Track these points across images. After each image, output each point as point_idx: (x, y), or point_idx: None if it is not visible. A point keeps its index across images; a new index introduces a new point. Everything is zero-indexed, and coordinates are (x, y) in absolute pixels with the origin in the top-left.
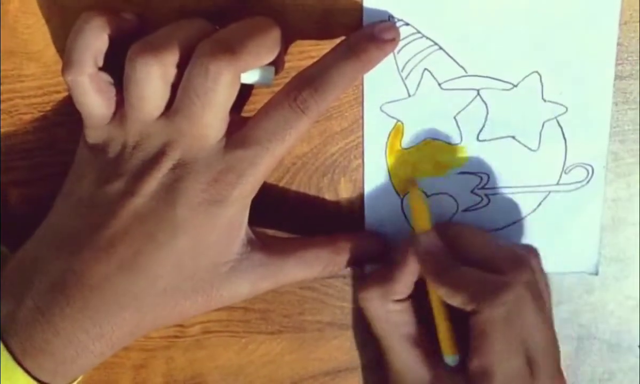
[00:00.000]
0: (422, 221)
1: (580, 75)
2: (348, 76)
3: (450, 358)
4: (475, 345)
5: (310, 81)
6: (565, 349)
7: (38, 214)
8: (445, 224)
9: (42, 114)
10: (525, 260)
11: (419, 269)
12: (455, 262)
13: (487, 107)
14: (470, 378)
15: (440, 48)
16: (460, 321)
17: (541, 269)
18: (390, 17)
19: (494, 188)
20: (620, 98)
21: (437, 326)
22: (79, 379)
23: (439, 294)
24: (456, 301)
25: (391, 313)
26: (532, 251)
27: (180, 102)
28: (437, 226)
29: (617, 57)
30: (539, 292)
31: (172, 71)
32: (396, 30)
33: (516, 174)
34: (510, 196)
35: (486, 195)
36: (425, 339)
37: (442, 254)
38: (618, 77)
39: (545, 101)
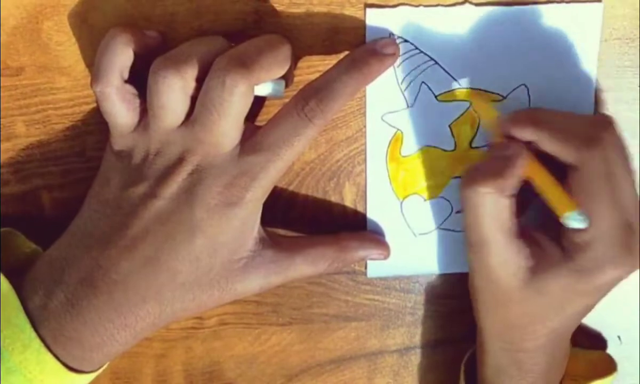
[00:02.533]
0: (488, 111)
1: (564, 88)
2: (351, 88)
3: (573, 215)
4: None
5: (316, 92)
6: None
7: (68, 215)
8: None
9: (72, 123)
10: (612, 122)
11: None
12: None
13: (478, 117)
14: (568, 246)
15: (436, 63)
16: None
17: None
18: (390, 34)
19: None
20: (601, 108)
21: (548, 192)
22: (104, 366)
23: (539, 142)
24: (557, 147)
25: (503, 208)
26: (611, 117)
27: (198, 112)
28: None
29: (598, 72)
30: (627, 155)
31: (192, 84)
32: (396, 46)
33: None
34: None
35: None
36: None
37: (533, 111)
38: (599, 90)
39: None
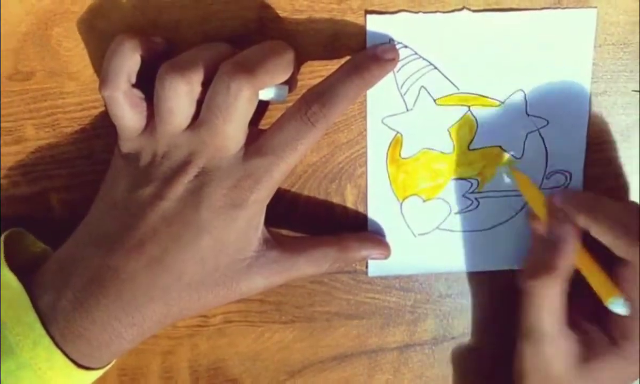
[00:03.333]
0: (531, 189)
1: (560, 92)
2: (353, 92)
3: (617, 301)
4: (626, 296)
5: (319, 97)
6: None
7: (76, 216)
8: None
9: (81, 127)
10: None
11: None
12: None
13: (476, 120)
14: (616, 335)
15: (435, 68)
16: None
17: None
18: (390, 40)
19: (482, 192)
20: (595, 112)
21: (593, 278)
22: (112, 363)
23: (598, 232)
24: (614, 240)
25: (559, 298)
26: None
27: (204, 116)
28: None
29: (592, 76)
30: None
31: (197, 88)
32: (396, 51)
33: (503, 180)
34: (498, 199)
35: (476, 199)
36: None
37: (590, 196)
38: (593, 93)
39: (528, 115)
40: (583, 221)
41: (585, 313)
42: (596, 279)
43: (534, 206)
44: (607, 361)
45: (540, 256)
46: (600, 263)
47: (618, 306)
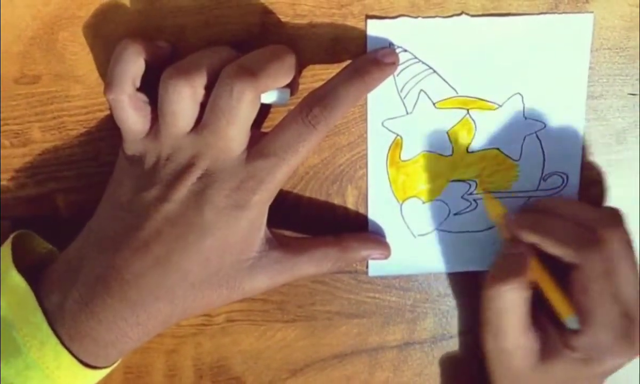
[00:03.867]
0: (495, 208)
1: (557, 96)
2: (353, 95)
3: (571, 319)
4: (576, 300)
5: (320, 100)
6: None
7: (82, 218)
8: (529, 205)
9: (86, 129)
10: (618, 217)
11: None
12: (551, 216)
13: (475, 123)
14: (572, 335)
15: (435, 72)
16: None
17: (628, 228)
18: (390, 44)
19: (481, 194)
20: (592, 115)
21: (549, 295)
22: (118, 361)
23: (542, 246)
24: (559, 251)
25: (522, 301)
26: (619, 211)
27: (207, 119)
28: (522, 209)
29: (589, 80)
30: (631, 248)
31: (201, 92)
32: (396, 55)
33: (500, 181)
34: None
35: (474, 200)
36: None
37: (534, 214)
38: (590, 97)
39: (526, 118)
40: (533, 238)
41: (546, 313)
42: (554, 297)
43: (497, 222)
44: (563, 362)
45: (502, 265)
46: (556, 280)
47: (571, 323)
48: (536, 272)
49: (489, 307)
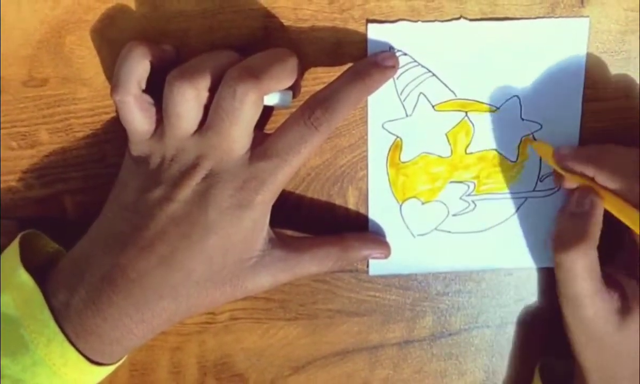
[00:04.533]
0: (545, 148)
1: (553, 98)
2: (355, 98)
3: None
4: None
5: (322, 102)
6: None
7: (89, 218)
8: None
9: (93, 132)
10: None
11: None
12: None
13: (473, 125)
14: None
15: (434, 75)
16: None
17: None
18: (390, 48)
19: (479, 195)
20: (587, 117)
21: (623, 214)
22: (123, 358)
23: (603, 179)
24: (619, 184)
25: (593, 262)
26: None
27: (211, 120)
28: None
29: (584, 83)
30: None
31: (205, 94)
32: (396, 58)
33: (498, 182)
34: (494, 201)
35: (473, 201)
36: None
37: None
38: (585, 99)
39: (523, 120)
40: (592, 171)
41: (620, 267)
42: (627, 214)
43: (549, 160)
44: None
45: (569, 227)
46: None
47: None
48: (605, 200)
49: (560, 274)
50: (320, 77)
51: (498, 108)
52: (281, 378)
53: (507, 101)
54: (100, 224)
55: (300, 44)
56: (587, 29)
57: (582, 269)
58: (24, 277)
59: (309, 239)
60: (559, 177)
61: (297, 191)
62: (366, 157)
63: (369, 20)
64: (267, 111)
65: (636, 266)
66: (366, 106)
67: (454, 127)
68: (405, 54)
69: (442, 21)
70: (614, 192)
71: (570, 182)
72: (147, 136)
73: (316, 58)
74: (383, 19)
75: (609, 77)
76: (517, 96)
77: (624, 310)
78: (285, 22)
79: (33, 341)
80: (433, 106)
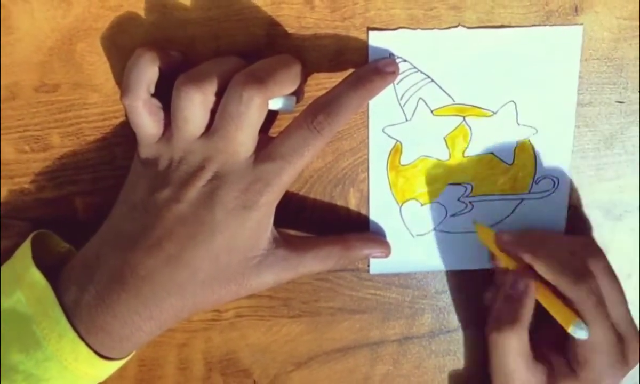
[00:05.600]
0: (487, 234)
1: (548, 103)
2: (356, 102)
3: (578, 325)
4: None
5: (324, 107)
6: None
7: (99, 218)
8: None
9: (103, 135)
10: (598, 248)
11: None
12: (544, 237)
13: (471, 130)
14: (573, 362)
15: (433, 81)
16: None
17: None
18: (390, 55)
19: (476, 196)
20: (581, 122)
21: (553, 309)
22: (132, 354)
23: (540, 270)
24: (556, 280)
25: (524, 341)
26: (594, 243)
27: (218, 124)
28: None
29: (578, 88)
30: (614, 273)
31: (211, 99)
32: (396, 65)
33: (494, 184)
34: (490, 202)
35: (470, 202)
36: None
37: (528, 238)
38: (579, 104)
39: (519, 124)
40: (528, 259)
41: (549, 342)
42: (556, 309)
43: (488, 244)
44: None
45: (503, 309)
46: (554, 293)
47: (580, 331)
48: (537, 291)
49: (493, 352)
50: (323, 83)
51: (495, 113)
52: (284, 373)
53: (503, 106)
54: (109, 224)
55: (303, 51)
56: (580, 37)
57: (514, 348)
58: (36, 276)
59: (312, 238)
60: (494, 257)
61: (301, 193)
62: (367, 160)
63: (369, 28)
64: (271, 115)
65: (564, 342)
66: (367, 110)
67: (452, 131)
68: (405, 61)
69: (441, 29)
70: (549, 281)
71: (505, 264)
72: (156, 139)
73: (319, 64)
74: (383, 27)
75: (602, 82)
76: (513, 101)
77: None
78: (289, 30)
79: (45, 337)
80: (432, 111)
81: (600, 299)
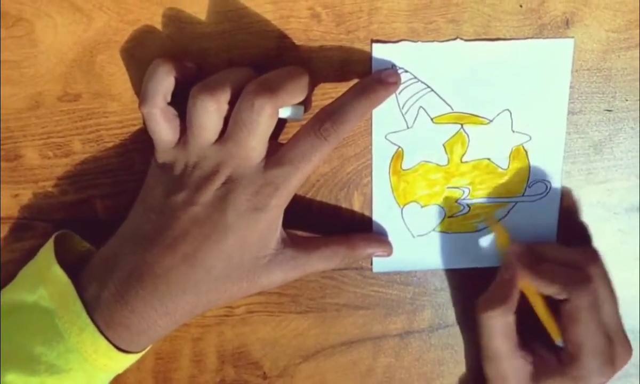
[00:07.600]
0: (503, 239)
1: (541, 111)
2: (360, 111)
3: (560, 340)
4: (567, 328)
5: (330, 115)
6: None
7: (118, 220)
8: (521, 245)
9: (122, 142)
10: (598, 255)
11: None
12: (543, 260)
13: (468, 136)
14: (563, 358)
15: (432, 90)
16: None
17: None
18: (393, 66)
19: (473, 199)
20: (572, 129)
21: (543, 319)
22: (148, 347)
23: (536, 287)
24: (551, 291)
25: (509, 324)
26: (595, 250)
27: (231, 130)
28: (522, 247)
29: (569, 97)
30: (610, 281)
31: (225, 107)
32: (398, 75)
33: (491, 188)
34: (486, 205)
35: (467, 205)
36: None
37: (531, 255)
38: (570, 112)
39: (514, 131)
40: (528, 278)
41: (540, 338)
42: (547, 320)
43: (501, 248)
44: (555, 380)
45: (492, 292)
46: (548, 306)
47: (561, 342)
48: (533, 298)
49: (481, 331)
50: (329, 93)
51: (491, 121)
52: (293, 365)
53: (499, 114)
54: (128, 225)
55: (310, 62)
56: (571, 49)
57: (500, 328)
58: (58, 273)
59: (318, 238)
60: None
61: (308, 196)
62: (370, 165)
63: (373, 41)
64: (281, 123)
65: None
66: (371, 118)
67: (450, 138)
68: (406, 71)
69: (440, 41)
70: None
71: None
72: (172, 145)
73: (325, 75)
74: (386, 39)
75: (592, 92)
76: (508, 110)
77: (536, 376)
78: (297, 42)
79: (67, 331)
80: (432, 119)
81: (594, 301)
